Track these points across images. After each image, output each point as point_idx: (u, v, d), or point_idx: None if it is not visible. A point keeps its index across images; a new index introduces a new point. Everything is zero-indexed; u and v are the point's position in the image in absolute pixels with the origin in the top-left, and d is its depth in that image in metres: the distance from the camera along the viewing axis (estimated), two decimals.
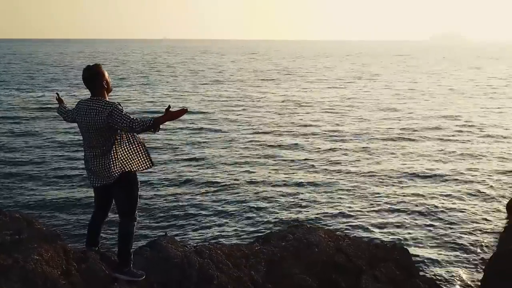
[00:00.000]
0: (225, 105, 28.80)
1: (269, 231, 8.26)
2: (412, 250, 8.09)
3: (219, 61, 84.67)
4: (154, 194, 12.42)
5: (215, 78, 47.71)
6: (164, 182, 13.54)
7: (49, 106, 26.76)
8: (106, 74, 4.57)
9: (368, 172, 14.73)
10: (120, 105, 4.51)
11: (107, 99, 4.52)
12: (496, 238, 10.04)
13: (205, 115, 24.80)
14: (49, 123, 22.31)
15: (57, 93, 5.60)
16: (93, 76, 4.48)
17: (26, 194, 12.54)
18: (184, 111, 4.26)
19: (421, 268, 8.04)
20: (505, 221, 11.39)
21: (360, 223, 10.87)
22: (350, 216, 11.29)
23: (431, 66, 72.83)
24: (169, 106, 4.26)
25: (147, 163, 4.67)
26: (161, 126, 4.33)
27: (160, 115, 4.33)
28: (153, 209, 11.34)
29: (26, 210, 10.71)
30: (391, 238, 9.87)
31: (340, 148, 17.72)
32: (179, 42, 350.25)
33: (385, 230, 10.50)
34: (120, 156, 4.57)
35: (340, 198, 12.53)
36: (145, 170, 4.77)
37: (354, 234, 9.66)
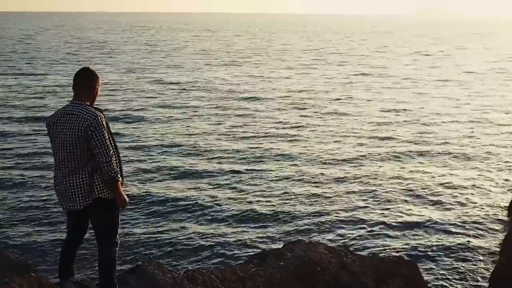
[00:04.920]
0: (183, 100, 26.97)
1: (262, 248, 8.42)
2: (417, 262, 8.39)
3: (150, 38, 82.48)
4: (131, 215, 11.90)
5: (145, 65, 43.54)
6: (141, 200, 12.91)
7: None
8: (100, 85, 4.81)
9: (365, 180, 14.73)
10: (103, 120, 4.59)
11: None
12: (500, 243, 10.57)
13: (167, 117, 22.86)
14: (9, 123, 20.81)
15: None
16: (90, 80, 4.70)
17: None
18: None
19: (428, 282, 8.42)
20: (507, 222, 12.01)
21: (362, 235, 10.93)
22: (350, 228, 11.36)
23: (406, 46, 73.84)
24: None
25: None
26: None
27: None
28: (131, 232, 10.89)
29: None
30: (395, 250, 10.05)
31: (332, 155, 17.44)
32: (117, 16, 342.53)
33: (387, 242, 10.66)
34: (101, 179, 4.62)
35: (338, 208, 12.52)
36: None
37: (356, 248, 9.95)
